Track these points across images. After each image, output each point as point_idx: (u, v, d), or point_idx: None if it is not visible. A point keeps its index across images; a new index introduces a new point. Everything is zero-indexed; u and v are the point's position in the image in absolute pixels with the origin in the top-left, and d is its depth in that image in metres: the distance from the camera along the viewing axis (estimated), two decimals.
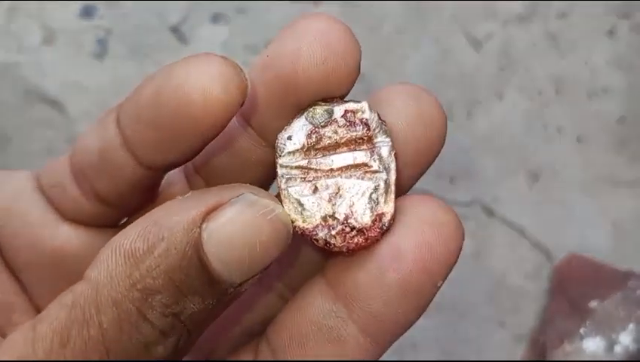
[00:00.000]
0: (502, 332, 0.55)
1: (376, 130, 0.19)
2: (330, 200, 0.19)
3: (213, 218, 0.17)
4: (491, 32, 0.59)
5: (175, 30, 0.57)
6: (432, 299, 0.19)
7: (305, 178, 0.19)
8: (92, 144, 0.20)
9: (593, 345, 0.52)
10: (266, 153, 0.21)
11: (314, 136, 0.19)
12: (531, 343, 0.54)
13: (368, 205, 0.18)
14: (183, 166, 0.22)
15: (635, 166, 0.57)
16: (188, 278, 0.17)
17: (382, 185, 0.19)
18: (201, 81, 0.17)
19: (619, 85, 0.58)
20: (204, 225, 0.17)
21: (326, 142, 0.19)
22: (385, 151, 0.19)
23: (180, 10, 0.57)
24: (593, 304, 0.53)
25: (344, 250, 0.19)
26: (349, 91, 0.20)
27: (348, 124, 0.19)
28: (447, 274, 0.19)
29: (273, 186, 0.22)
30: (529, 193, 0.57)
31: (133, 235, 0.18)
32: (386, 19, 0.58)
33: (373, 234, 0.18)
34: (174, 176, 0.23)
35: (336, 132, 0.19)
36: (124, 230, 0.18)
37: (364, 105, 0.19)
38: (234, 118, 0.18)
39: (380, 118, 0.19)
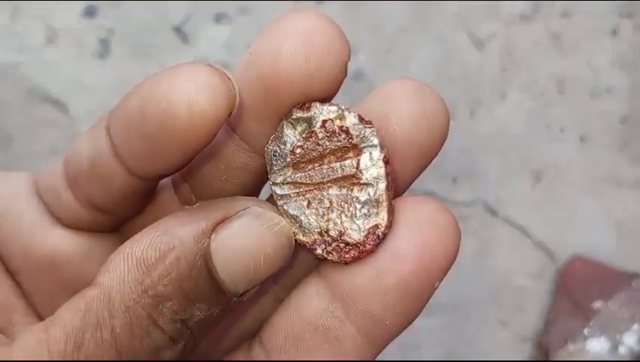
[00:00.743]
0: (504, 332, 0.55)
1: (361, 135, 0.18)
2: (323, 216, 0.19)
3: (221, 230, 0.18)
4: (494, 32, 0.58)
5: (177, 30, 0.57)
6: (429, 299, 0.19)
7: (298, 193, 0.19)
8: (84, 152, 0.20)
9: (597, 345, 0.52)
10: (250, 158, 0.20)
11: (298, 150, 0.19)
12: (535, 344, 0.54)
13: (360, 219, 0.18)
14: None
15: (638, 165, 0.57)
16: (196, 287, 0.18)
17: (372, 196, 0.18)
18: (187, 92, 0.17)
19: (622, 85, 0.58)
20: (213, 236, 0.18)
21: (312, 154, 0.19)
22: (374, 156, 0.18)
23: (183, 11, 0.57)
24: (597, 304, 0.53)
25: (342, 262, 0.19)
26: (334, 93, 0.19)
27: (328, 134, 0.18)
28: (444, 275, 0.19)
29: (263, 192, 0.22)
30: (532, 193, 0.57)
31: (145, 243, 0.18)
32: (388, 18, 0.58)
33: (367, 248, 0.18)
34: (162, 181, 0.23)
35: (318, 144, 0.18)
36: (134, 237, 0.18)
37: (342, 111, 0.18)
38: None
39: (362, 121, 0.18)
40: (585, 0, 0.58)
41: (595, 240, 0.56)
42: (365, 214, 0.18)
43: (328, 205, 0.18)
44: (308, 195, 0.19)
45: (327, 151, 0.18)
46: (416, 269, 0.18)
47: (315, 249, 0.19)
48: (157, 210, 0.22)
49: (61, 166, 0.21)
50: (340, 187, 0.18)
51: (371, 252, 0.18)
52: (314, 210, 0.19)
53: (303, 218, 0.19)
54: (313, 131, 0.18)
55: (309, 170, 0.19)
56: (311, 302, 0.20)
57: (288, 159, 0.19)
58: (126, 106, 0.18)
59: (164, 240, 0.18)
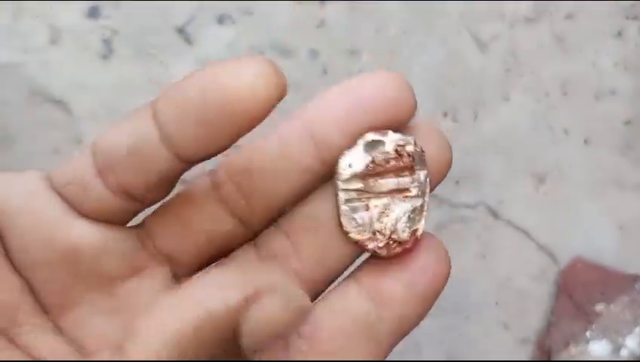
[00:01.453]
0: (506, 334, 0.55)
1: (418, 160, 0.23)
2: (378, 218, 0.23)
3: (252, 310, 0.20)
4: (498, 34, 0.58)
5: (181, 31, 0.57)
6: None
7: (360, 198, 0.23)
8: (120, 140, 0.21)
9: (599, 348, 0.52)
10: (315, 161, 0.23)
11: (370, 165, 0.23)
12: (537, 346, 0.54)
13: (407, 223, 0.23)
14: None
15: None
16: (224, 354, 0.20)
17: (418, 207, 0.23)
18: (249, 78, 0.19)
19: (626, 87, 0.58)
20: (244, 314, 0.20)
21: (379, 169, 0.23)
22: (422, 177, 0.23)
23: (186, 11, 0.58)
24: (599, 307, 0.53)
25: (389, 257, 0.23)
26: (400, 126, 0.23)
27: (397, 156, 0.23)
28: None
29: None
30: (535, 195, 0.57)
31: (178, 315, 0.20)
32: (391, 20, 0.58)
33: (409, 246, 0.23)
34: None
35: (387, 161, 0.23)
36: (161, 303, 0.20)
37: (411, 139, 0.23)
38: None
39: (421, 150, 0.23)
40: (589, 1, 0.58)
41: (598, 242, 0.56)
42: (412, 219, 0.23)
43: (383, 210, 0.23)
44: (367, 201, 0.23)
45: (391, 168, 0.23)
46: (437, 279, 0.23)
47: (367, 245, 0.23)
48: (182, 201, 0.23)
49: (87, 158, 0.22)
50: (395, 197, 0.23)
51: (411, 250, 0.23)
52: (371, 214, 0.23)
53: (360, 219, 0.23)
54: (387, 151, 0.23)
55: (373, 181, 0.23)
56: (353, 302, 0.23)
57: (359, 171, 0.23)
58: (182, 96, 0.20)
59: (200, 314, 0.20)
